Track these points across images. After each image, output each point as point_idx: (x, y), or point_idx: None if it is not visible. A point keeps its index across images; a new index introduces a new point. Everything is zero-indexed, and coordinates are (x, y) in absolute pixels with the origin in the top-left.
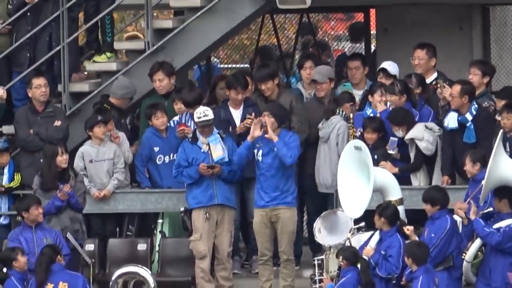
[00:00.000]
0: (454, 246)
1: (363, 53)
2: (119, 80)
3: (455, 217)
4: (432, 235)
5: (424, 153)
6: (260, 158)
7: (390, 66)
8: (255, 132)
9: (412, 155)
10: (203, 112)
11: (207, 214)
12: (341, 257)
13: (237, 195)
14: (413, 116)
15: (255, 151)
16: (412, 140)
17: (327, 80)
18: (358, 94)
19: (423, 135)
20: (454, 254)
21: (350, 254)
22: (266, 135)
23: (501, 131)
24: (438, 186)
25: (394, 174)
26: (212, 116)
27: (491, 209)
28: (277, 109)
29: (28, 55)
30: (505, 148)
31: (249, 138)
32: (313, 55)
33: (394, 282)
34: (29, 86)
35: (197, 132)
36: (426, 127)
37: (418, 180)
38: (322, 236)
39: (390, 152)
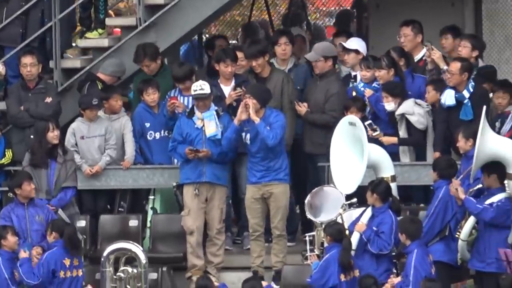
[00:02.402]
0: (450, 216)
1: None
2: (111, 57)
3: None
4: (430, 205)
5: (419, 133)
6: (248, 142)
7: (352, 41)
8: (242, 115)
9: (401, 132)
10: (200, 86)
11: (196, 191)
12: (325, 234)
13: (229, 171)
14: (406, 92)
15: (243, 134)
16: (402, 116)
17: (321, 58)
18: (346, 70)
19: (413, 109)
20: (451, 225)
21: (334, 231)
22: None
23: (484, 107)
24: (449, 157)
25: (388, 150)
26: (208, 90)
27: (480, 185)
28: (258, 90)
29: (21, 30)
30: (494, 125)
31: (235, 121)
32: (288, 31)
33: (393, 254)
34: (19, 63)
35: (195, 108)
36: (416, 102)
37: (408, 157)
38: (313, 212)
39: (374, 135)
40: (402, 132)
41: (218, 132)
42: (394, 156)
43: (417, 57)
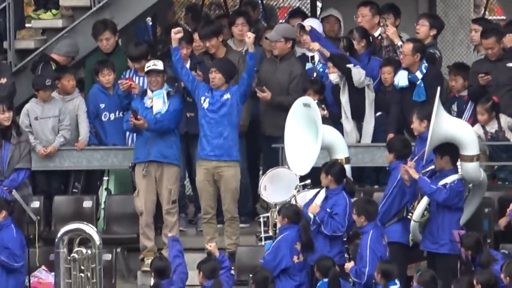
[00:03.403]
0: (408, 197)
1: (309, 9)
2: (65, 37)
3: None
4: (388, 186)
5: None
6: (206, 106)
7: (309, 21)
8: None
9: (343, 98)
10: (153, 62)
11: (144, 171)
12: (279, 215)
13: (184, 153)
14: (350, 61)
15: (202, 98)
16: (345, 81)
17: (282, 39)
18: (300, 51)
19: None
20: (408, 206)
21: (291, 213)
22: (247, 39)
23: (438, 88)
24: (403, 136)
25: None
26: (161, 67)
27: (433, 167)
28: (224, 64)
29: None
30: (450, 108)
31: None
32: (245, 12)
33: (345, 239)
34: None
35: (148, 88)
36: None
37: (350, 124)
38: (267, 193)
39: (324, 114)
40: (345, 98)
41: (163, 109)
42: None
43: None
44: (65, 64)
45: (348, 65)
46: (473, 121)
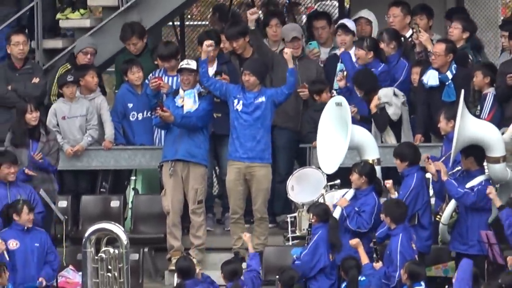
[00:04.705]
0: (420, 205)
1: (337, 9)
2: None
3: (428, 175)
4: (401, 192)
5: (387, 117)
6: (240, 107)
7: (349, 22)
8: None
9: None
10: (187, 61)
11: (170, 170)
12: (311, 214)
13: (211, 153)
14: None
15: (235, 100)
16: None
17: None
18: (325, 52)
19: (392, 100)
20: (419, 213)
21: (321, 211)
22: (285, 55)
23: (462, 91)
24: (410, 142)
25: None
26: (194, 67)
27: (459, 168)
28: (256, 66)
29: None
30: (481, 107)
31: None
32: (279, 12)
33: (374, 240)
34: (8, 42)
35: (180, 87)
36: (394, 92)
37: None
38: (295, 193)
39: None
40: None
41: (194, 108)
42: None
43: None
44: (86, 63)
45: (387, 106)
46: (491, 119)
